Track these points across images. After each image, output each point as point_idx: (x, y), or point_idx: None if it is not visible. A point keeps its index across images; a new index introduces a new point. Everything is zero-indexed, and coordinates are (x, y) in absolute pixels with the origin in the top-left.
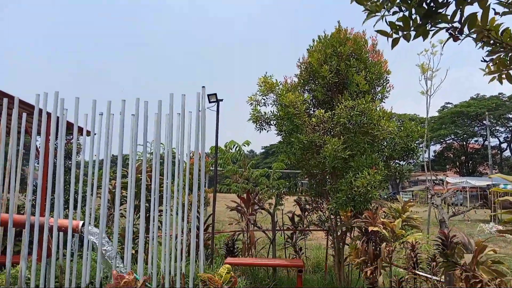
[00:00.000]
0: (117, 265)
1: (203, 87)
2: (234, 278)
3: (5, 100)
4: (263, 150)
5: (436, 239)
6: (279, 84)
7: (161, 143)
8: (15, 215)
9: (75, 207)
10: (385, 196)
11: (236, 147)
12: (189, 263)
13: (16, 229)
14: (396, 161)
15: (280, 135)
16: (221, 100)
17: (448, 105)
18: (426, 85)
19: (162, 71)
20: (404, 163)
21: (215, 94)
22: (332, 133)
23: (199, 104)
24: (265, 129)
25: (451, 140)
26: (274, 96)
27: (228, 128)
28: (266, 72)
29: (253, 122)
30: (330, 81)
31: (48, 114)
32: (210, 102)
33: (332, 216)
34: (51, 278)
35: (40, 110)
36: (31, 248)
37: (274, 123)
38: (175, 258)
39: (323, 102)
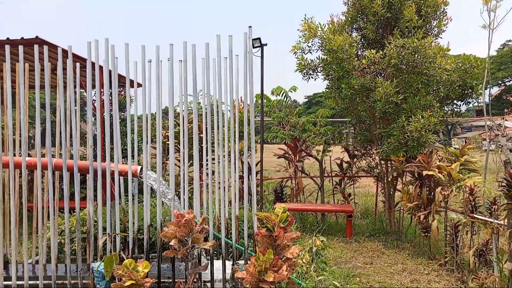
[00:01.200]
0: (176, 206)
1: (250, 27)
2: (291, 217)
3: (60, 50)
4: (306, 99)
5: (500, 181)
6: (323, 26)
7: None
8: (80, 161)
9: (131, 157)
10: (436, 144)
11: (283, 93)
12: (242, 207)
13: (80, 176)
14: (453, 101)
15: (327, 79)
16: (265, 44)
17: (510, 43)
18: (489, 17)
19: (196, 14)
20: (461, 103)
21: (259, 39)
22: (383, 75)
23: (246, 46)
24: (312, 77)
25: (511, 82)
26: (319, 41)
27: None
28: (305, 15)
29: (299, 71)
30: (381, 17)
31: (100, 67)
32: (254, 47)
33: (382, 162)
34: (116, 220)
35: (93, 64)
36: (95, 194)
37: (321, 69)
38: (229, 203)
39: (373, 41)
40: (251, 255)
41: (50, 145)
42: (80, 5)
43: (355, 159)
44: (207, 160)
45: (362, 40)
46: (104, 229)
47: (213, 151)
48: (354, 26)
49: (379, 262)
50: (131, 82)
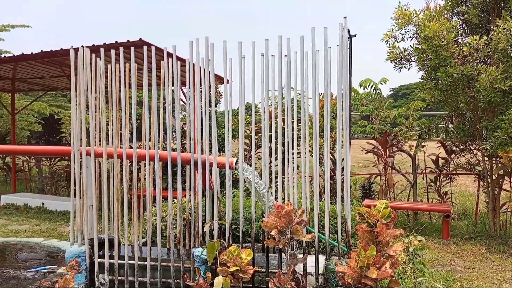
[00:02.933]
0: (270, 199)
1: (345, 17)
2: (394, 214)
3: (153, 49)
4: (391, 92)
5: None
6: (418, 12)
7: (291, 88)
8: (182, 154)
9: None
10: None
11: (372, 86)
12: (332, 202)
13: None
14: None
15: (422, 69)
16: (354, 35)
17: None
18: None
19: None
20: None
21: (348, 29)
22: (488, 62)
23: (342, 37)
24: (405, 67)
25: None
26: (414, 28)
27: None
28: (399, 2)
29: (391, 61)
30: (486, 0)
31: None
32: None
33: (485, 159)
34: (214, 209)
35: (184, 60)
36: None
37: (415, 58)
38: (319, 197)
39: (476, 26)
40: (345, 251)
41: (161, 139)
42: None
43: (452, 155)
44: (296, 153)
45: (463, 26)
46: (203, 218)
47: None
48: (455, 11)
49: (482, 268)
50: (221, 78)
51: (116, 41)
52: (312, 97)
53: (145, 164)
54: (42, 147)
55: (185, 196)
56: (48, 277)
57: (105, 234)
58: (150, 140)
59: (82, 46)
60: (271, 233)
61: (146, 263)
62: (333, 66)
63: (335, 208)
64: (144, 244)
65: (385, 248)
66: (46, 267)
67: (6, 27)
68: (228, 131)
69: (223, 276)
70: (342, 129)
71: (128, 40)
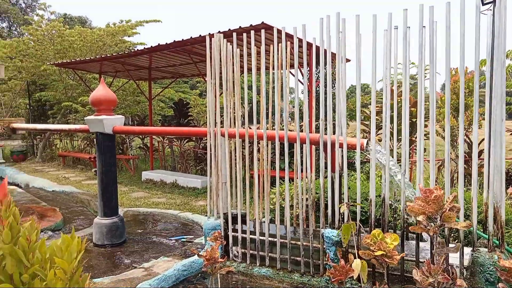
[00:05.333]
0: (407, 183)
1: None
2: None
3: (275, 31)
4: None
5: None
6: None
7: (412, 63)
8: (312, 134)
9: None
10: None
11: None
12: (472, 189)
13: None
14: None
15: None
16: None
17: None
18: None
19: None
20: None
21: None
22: None
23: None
24: None
25: None
26: None
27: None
28: None
29: None
30: None
31: (309, 44)
32: (483, 4)
33: None
34: (335, 191)
35: (300, 40)
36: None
37: None
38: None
39: None
40: (497, 244)
41: (298, 120)
42: None
43: None
44: (422, 135)
45: None
46: (326, 199)
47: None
48: None
49: None
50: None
51: (240, 26)
52: (446, 72)
53: (271, 144)
54: (184, 129)
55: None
56: (187, 245)
57: (238, 210)
58: (270, 122)
59: (219, 31)
60: (418, 219)
61: (275, 239)
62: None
63: (471, 196)
64: (272, 221)
65: None
66: (185, 236)
67: (141, 23)
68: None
69: (366, 260)
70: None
71: (251, 25)
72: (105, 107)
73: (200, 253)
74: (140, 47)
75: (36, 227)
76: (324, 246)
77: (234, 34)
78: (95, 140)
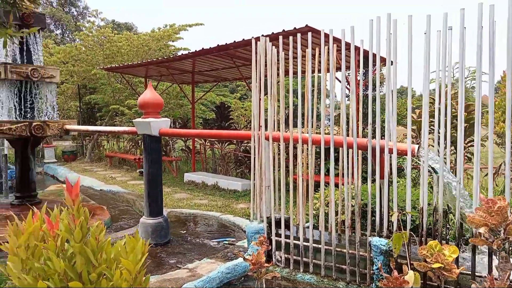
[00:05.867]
0: (462, 193)
1: None
2: None
3: (323, 34)
4: None
5: None
6: None
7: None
8: (359, 139)
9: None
10: None
11: None
12: None
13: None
14: None
15: None
16: None
17: None
18: None
19: None
20: None
21: None
22: None
23: None
24: None
25: None
26: None
27: None
28: None
29: None
30: None
31: (355, 47)
32: None
33: None
34: (383, 197)
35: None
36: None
37: None
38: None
39: None
40: None
41: (345, 124)
42: None
43: None
44: (478, 141)
45: None
46: (373, 207)
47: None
48: None
49: None
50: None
51: (284, 30)
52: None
53: (313, 148)
54: (228, 132)
55: (350, 183)
56: (229, 248)
57: (282, 214)
58: (312, 126)
59: (262, 35)
60: (479, 231)
61: (320, 246)
62: None
63: None
64: (315, 227)
65: None
66: (227, 238)
67: (184, 27)
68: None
69: (422, 272)
70: None
71: (294, 28)
72: (152, 110)
73: (245, 257)
74: (183, 52)
75: (102, 227)
76: (372, 255)
77: (280, 38)
78: (142, 142)
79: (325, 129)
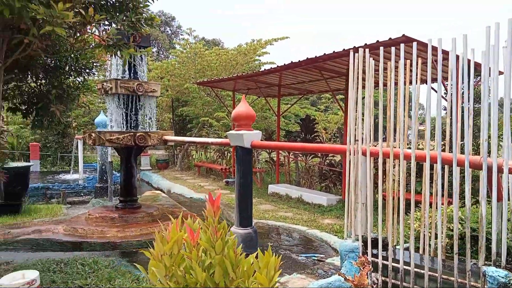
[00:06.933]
0: None
1: None
2: None
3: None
4: None
5: None
6: None
7: None
8: (471, 157)
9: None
10: None
11: None
12: None
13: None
14: None
15: None
16: None
17: None
18: None
19: None
20: None
21: None
22: None
23: None
24: None
25: None
26: None
27: None
28: None
29: None
30: None
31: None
32: None
33: None
34: (502, 222)
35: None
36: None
37: None
38: None
39: None
40: None
41: (456, 140)
42: None
43: None
44: None
45: None
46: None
47: None
48: None
49: None
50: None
51: (377, 40)
52: None
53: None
54: (320, 145)
55: (451, 203)
56: (319, 264)
57: (379, 234)
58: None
59: (361, 46)
60: None
61: (422, 271)
62: None
63: None
64: (414, 250)
65: None
66: (316, 254)
67: (271, 41)
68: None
69: None
70: None
71: (390, 38)
72: (245, 123)
73: (347, 277)
74: (270, 66)
75: (234, 241)
76: (486, 287)
77: (381, 48)
78: (234, 153)
79: (424, 144)
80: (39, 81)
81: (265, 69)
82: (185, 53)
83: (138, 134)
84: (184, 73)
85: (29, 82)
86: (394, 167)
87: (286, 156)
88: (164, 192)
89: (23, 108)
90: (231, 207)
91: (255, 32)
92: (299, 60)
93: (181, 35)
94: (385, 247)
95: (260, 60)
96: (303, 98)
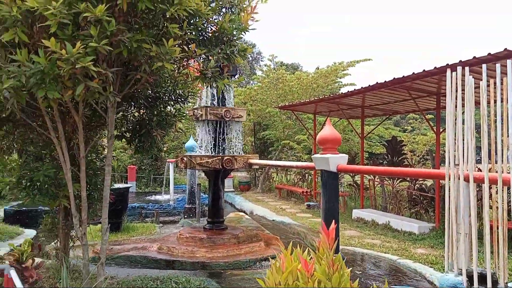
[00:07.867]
0: None
1: None
2: None
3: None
4: None
5: None
6: None
7: None
8: None
9: None
10: None
11: None
12: None
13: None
14: None
15: None
16: None
17: None
18: None
19: None
20: None
21: None
22: None
23: None
24: None
25: None
26: None
27: None
28: None
29: None
30: None
31: None
32: None
33: None
34: None
35: None
36: None
37: None
38: None
39: None
40: None
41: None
42: None
43: None
44: None
45: None
46: None
47: None
48: None
49: None
50: None
51: (474, 56)
52: None
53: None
54: (414, 170)
55: None
56: None
57: (488, 269)
58: None
59: (455, 63)
60: None
61: None
62: None
63: None
64: None
65: None
66: (409, 287)
67: (352, 63)
68: None
69: None
70: None
71: (489, 53)
72: (331, 146)
73: None
74: (351, 88)
75: (348, 272)
76: None
77: (484, 66)
78: (317, 176)
79: None
80: (141, 110)
81: (348, 91)
82: (267, 79)
83: (225, 158)
84: (266, 98)
85: (133, 111)
86: (496, 193)
87: (371, 180)
88: (247, 214)
89: (127, 135)
90: (315, 232)
91: (332, 52)
92: (385, 81)
93: (262, 61)
94: (493, 284)
95: (341, 82)
96: (386, 119)
